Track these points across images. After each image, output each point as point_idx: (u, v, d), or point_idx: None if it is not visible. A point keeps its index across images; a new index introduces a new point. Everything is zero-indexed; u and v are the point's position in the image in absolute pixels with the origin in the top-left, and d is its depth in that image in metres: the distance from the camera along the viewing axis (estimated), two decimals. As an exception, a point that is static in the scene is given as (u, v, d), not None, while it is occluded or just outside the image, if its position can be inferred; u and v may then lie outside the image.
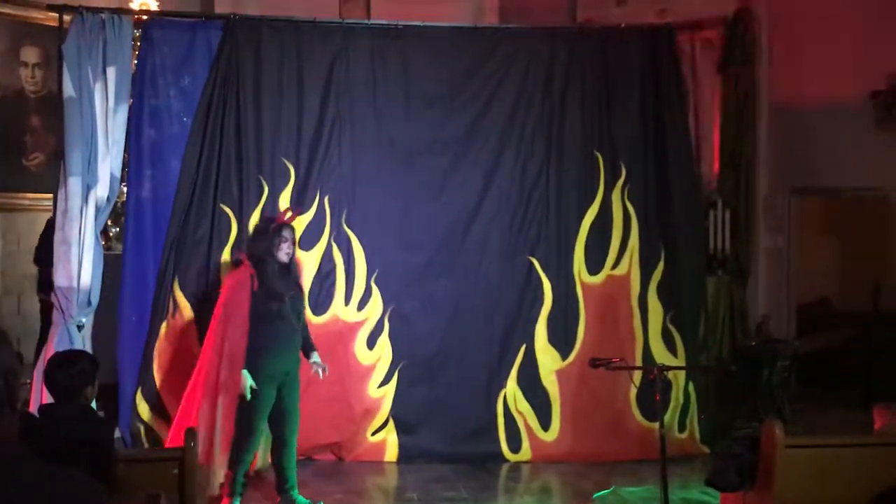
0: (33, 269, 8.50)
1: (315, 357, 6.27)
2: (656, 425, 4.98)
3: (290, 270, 6.24)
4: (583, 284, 7.81)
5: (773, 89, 8.72)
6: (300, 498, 6.18)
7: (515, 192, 7.79)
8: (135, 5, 8.52)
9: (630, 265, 7.89)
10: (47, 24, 7.90)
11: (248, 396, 5.89)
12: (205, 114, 7.37)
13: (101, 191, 6.93)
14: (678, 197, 7.94)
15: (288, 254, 6.16)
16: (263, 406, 6.01)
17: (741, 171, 8.53)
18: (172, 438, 6.25)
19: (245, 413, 5.98)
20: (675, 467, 6.33)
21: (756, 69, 8.58)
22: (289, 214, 6.48)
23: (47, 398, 4.14)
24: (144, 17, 7.75)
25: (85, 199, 6.85)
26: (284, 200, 7.44)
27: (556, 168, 7.82)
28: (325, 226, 7.52)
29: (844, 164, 8.26)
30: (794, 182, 8.69)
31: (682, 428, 7.81)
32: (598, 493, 6.64)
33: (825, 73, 8.51)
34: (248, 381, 5.89)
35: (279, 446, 6.18)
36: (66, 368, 3.81)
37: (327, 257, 7.53)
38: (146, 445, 7.01)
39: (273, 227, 6.21)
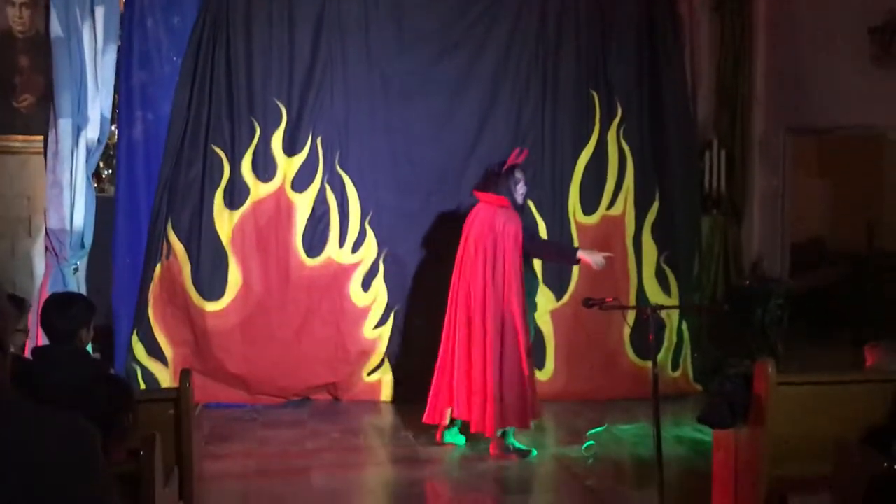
0: (27, 213, 8.45)
1: (581, 252, 6.33)
2: (649, 364, 5.01)
3: (524, 212, 6.38)
4: (578, 225, 7.81)
5: (769, 27, 8.62)
6: (515, 442, 6.24)
7: (510, 133, 7.73)
8: (122, -57, 8.35)
9: (625, 205, 7.89)
10: (34, -38, 7.75)
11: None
12: (194, 53, 7.28)
13: (92, 132, 6.87)
14: (674, 136, 7.92)
15: (522, 195, 6.26)
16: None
17: (737, 111, 8.49)
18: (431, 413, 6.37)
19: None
20: (668, 405, 6.41)
21: (752, 6, 8.48)
22: (519, 155, 6.38)
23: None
24: (132, -45, 7.61)
25: (76, 141, 6.79)
26: (277, 141, 7.40)
27: (552, 108, 7.77)
28: (317, 168, 7.48)
29: (841, 102, 8.18)
30: (789, 121, 8.63)
31: (675, 367, 7.87)
32: (592, 431, 6.71)
33: (822, 9, 8.39)
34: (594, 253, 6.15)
35: None
36: (61, 310, 3.81)
37: (321, 200, 7.50)
38: (142, 386, 7.05)
39: (505, 169, 6.21)
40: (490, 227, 6.14)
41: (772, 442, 4.32)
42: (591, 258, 6.13)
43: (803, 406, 4.32)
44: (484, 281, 6.12)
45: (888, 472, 3.48)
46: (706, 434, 5.39)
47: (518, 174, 6.21)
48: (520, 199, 6.24)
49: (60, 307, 3.86)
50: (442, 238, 7.60)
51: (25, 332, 6.07)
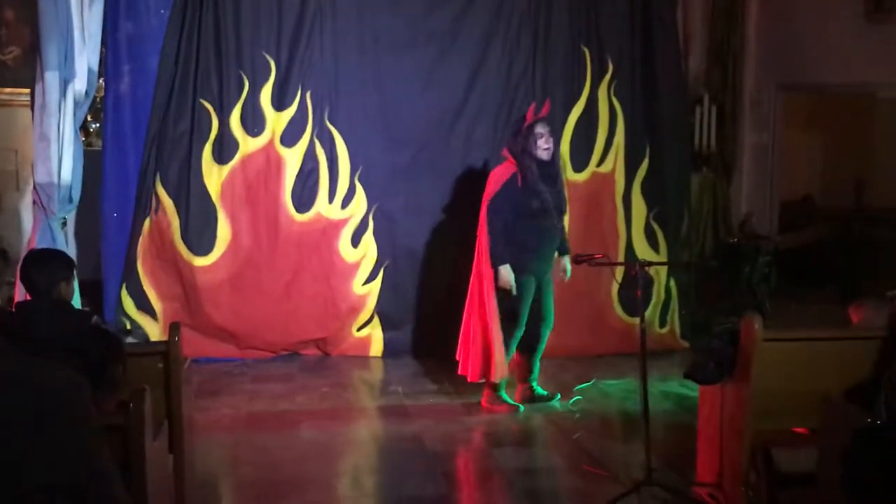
0: (14, 166, 8.40)
1: (565, 262, 6.34)
2: (637, 320, 5.04)
3: (553, 165, 6.25)
4: (567, 182, 7.78)
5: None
6: (539, 388, 6.43)
7: (501, 88, 7.69)
8: None
9: (615, 162, 7.88)
10: (18, -89, 7.64)
11: (514, 291, 6.04)
12: (182, 6, 7.20)
13: (79, 85, 6.80)
14: (664, 93, 7.89)
15: (546, 149, 6.11)
16: (527, 300, 6.15)
17: (728, 67, 8.45)
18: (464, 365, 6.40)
19: (512, 306, 6.13)
20: (655, 361, 6.46)
21: (746, -40, 8.42)
22: (541, 109, 6.29)
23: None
24: None
25: (63, 94, 6.72)
26: (265, 96, 7.35)
27: (543, 63, 7.71)
28: (307, 122, 7.43)
29: (832, 59, 8.16)
30: (781, 78, 8.60)
31: (662, 323, 7.92)
32: (580, 386, 6.77)
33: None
34: (510, 276, 6.02)
35: (533, 340, 6.33)
36: (39, 266, 3.81)
37: (310, 154, 7.46)
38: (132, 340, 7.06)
39: (526, 124, 6.13)
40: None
41: (757, 397, 4.35)
42: (505, 276, 6.07)
43: (789, 362, 4.35)
44: (479, 242, 6.21)
45: (872, 428, 3.52)
46: (692, 389, 5.43)
47: (539, 129, 6.08)
48: (544, 156, 6.09)
49: (39, 263, 3.86)
50: (432, 194, 7.60)
51: (12, 284, 6.07)
